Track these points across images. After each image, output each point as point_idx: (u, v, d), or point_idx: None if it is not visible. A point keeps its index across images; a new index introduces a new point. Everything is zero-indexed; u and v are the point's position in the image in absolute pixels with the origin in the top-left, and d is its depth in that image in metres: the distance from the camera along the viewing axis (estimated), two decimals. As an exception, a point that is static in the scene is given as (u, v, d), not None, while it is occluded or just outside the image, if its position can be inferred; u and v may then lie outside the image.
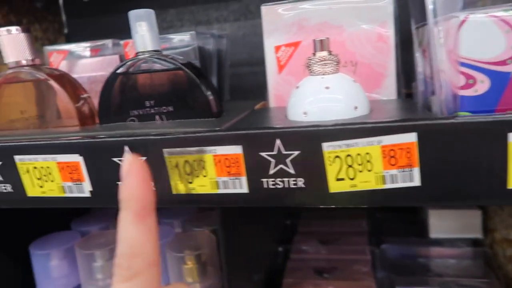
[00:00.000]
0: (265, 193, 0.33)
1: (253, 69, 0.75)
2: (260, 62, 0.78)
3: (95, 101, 0.44)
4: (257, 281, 0.52)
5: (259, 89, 0.74)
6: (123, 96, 0.41)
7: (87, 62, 0.52)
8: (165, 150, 0.34)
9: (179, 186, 0.35)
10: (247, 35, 0.75)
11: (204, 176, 0.34)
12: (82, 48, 0.55)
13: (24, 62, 0.41)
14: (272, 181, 0.32)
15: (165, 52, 0.41)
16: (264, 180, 0.32)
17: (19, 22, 0.71)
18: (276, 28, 0.45)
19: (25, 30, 0.39)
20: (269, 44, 0.45)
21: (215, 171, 0.33)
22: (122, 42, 0.50)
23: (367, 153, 0.29)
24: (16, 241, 0.54)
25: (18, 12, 0.71)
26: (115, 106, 0.41)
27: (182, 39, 0.50)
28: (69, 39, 0.82)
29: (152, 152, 0.34)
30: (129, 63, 0.40)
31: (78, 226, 0.57)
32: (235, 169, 0.33)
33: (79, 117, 0.42)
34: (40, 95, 0.43)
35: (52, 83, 0.41)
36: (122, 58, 0.52)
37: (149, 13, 0.39)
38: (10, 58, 0.40)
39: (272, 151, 0.31)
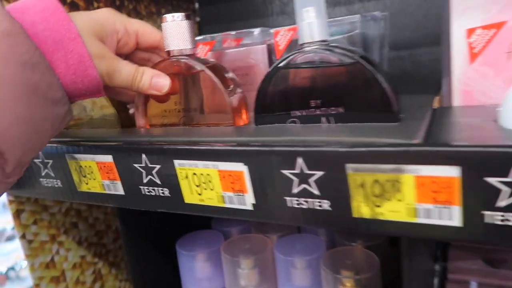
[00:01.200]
0: (487, 229, 0.25)
1: (413, 52, 0.65)
2: (420, 44, 0.67)
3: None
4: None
5: (420, 77, 0.64)
6: (284, 93, 0.36)
7: (232, 52, 0.49)
8: (349, 166, 0.28)
9: (362, 209, 0.28)
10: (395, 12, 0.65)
11: (399, 200, 0.27)
12: (224, 37, 0.52)
13: (183, 52, 0.38)
14: (501, 216, 0.24)
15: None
16: (488, 213, 0.24)
17: (159, 12, 0.72)
18: (470, 6, 0.35)
19: (188, 17, 0.37)
20: (459, 27, 0.36)
21: (415, 196, 0.26)
22: (272, 30, 0.45)
23: None
24: (162, 235, 0.55)
25: (157, 2, 0.71)
26: (275, 104, 0.36)
27: (341, 23, 0.43)
28: (201, 27, 0.81)
29: (330, 166, 0.28)
30: (292, 55, 0.34)
31: (218, 225, 0.55)
32: (445, 196, 0.25)
33: (233, 112, 0.38)
34: (194, 86, 0.40)
35: (209, 74, 0.37)
36: (271, 48, 0.47)
37: (319, -4, 0.33)
38: (170, 46, 0.38)
39: (506, 176, 0.23)
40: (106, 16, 0.37)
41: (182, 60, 0.39)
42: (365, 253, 0.41)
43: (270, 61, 0.47)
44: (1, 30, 0.29)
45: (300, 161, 0.29)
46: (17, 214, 0.52)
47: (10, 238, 1.36)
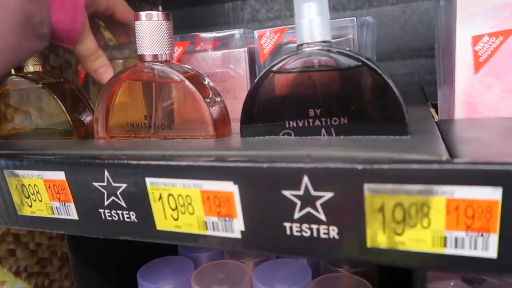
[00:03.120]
0: None
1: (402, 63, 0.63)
2: (401, 56, 0.65)
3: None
4: None
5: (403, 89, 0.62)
6: (277, 101, 0.31)
7: (208, 57, 0.43)
8: (367, 186, 0.23)
9: (379, 237, 0.24)
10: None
11: (425, 227, 0.23)
12: (197, 39, 0.47)
13: (158, 57, 0.32)
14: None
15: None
16: (534, 243, 0.21)
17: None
18: (477, 12, 0.33)
19: (167, 17, 0.31)
20: (464, 34, 0.33)
21: (444, 223, 0.22)
22: (256, 32, 0.40)
23: None
24: (120, 263, 0.47)
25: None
26: (265, 114, 0.31)
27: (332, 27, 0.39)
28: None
29: (343, 187, 0.24)
30: (288, 58, 0.30)
31: (187, 250, 0.49)
32: (482, 222, 0.21)
33: (214, 124, 0.33)
34: (168, 96, 0.35)
35: (188, 84, 0.32)
36: (252, 52, 0.42)
37: (320, -10, 0.29)
38: (143, 49, 0.32)
39: (560, 200, 0.20)
40: None
41: (156, 67, 0.33)
42: (357, 280, 0.37)
43: (252, 67, 0.42)
44: None
45: (305, 179, 0.24)
46: None
47: None
